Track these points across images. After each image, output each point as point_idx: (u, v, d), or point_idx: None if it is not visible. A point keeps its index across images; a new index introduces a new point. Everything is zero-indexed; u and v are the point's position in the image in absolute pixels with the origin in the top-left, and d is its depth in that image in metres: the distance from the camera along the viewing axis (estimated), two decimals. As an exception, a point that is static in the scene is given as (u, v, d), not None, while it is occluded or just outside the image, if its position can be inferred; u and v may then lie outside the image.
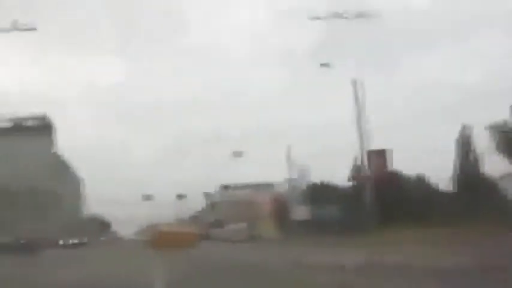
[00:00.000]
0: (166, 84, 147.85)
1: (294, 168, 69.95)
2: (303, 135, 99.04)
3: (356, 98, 56.99)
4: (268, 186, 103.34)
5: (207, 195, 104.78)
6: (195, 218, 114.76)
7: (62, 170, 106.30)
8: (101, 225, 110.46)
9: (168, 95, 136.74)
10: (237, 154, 72.06)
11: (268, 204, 78.80)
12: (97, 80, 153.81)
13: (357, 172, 56.61)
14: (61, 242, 66.64)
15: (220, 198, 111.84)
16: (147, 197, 73.44)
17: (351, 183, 59.19)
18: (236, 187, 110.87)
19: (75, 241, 55.08)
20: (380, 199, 50.68)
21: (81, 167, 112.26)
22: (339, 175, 61.95)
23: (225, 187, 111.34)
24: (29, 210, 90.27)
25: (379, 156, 56.47)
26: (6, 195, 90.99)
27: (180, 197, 75.23)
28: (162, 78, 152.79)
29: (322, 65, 58.06)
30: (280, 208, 71.13)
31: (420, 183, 57.05)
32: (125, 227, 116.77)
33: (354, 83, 57.50)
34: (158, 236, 47.83)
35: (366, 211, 50.96)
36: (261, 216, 77.31)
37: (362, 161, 56.21)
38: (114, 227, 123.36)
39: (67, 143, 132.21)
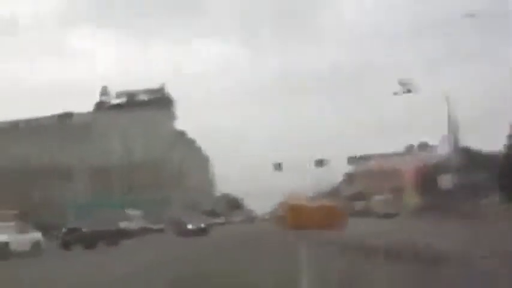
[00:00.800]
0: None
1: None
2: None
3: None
4: (408, 154, 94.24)
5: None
6: (332, 191, 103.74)
7: (185, 146, 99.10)
8: (232, 204, 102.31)
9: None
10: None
11: (412, 173, 72.13)
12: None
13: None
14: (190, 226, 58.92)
15: (357, 168, 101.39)
16: (278, 166, 62.99)
17: (502, 151, 52.52)
18: (374, 156, 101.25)
19: (202, 225, 45.56)
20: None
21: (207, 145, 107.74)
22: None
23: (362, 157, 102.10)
24: (152, 190, 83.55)
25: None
26: (124, 175, 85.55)
27: (319, 163, 63.84)
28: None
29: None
30: (425, 177, 64.56)
31: None
32: (258, 204, 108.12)
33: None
34: (295, 214, 38.90)
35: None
36: (405, 186, 73.18)
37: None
38: (247, 205, 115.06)
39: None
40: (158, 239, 40.20)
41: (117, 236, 32.25)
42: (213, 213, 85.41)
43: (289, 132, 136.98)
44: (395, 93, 47.08)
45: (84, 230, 29.29)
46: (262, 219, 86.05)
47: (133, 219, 50.21)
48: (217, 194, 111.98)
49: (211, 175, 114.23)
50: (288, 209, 42.50)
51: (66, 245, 29.05)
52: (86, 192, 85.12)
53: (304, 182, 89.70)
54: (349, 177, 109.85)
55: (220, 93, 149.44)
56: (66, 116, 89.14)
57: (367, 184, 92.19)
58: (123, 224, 41.20)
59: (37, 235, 26.56)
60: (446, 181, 59.51)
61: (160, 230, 56.76)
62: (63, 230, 30.27)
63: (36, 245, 25.66)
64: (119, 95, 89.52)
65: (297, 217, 38.08)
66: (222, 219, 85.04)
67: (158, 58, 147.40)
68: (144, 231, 49.45)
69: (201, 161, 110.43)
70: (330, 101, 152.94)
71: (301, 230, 32.48)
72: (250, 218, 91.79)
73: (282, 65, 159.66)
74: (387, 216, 55.55)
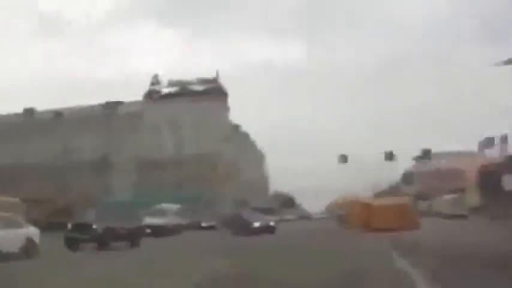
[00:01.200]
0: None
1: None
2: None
3: None
4: (469, 154, 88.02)
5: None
6: (391, 190, 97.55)
7: (240, 141, 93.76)
8: (285, 202, 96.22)
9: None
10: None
11: (475, 173, 69.50)
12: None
13: None
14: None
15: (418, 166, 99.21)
16: (343, 159, 58.11)
17: None
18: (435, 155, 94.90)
19: (271, 223, 40.63)
20: None
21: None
22: None
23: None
24: (204, 185, 78.68)
25: None
26: (174, 169, 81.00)
27: (389, 156, 58.72)
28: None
29: None
30: (488, 177, 61.37)
31: None
32: (313, 202, 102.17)
33: None
34: (365, 213, 35.37)
35: None
36: (467, 186, 70.60)
37: None
38: (303, 203, 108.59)
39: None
40: (203, 237, 34.53)
41: (138, 234, 26.76)
42: (267, 211, 79.85)
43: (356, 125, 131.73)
44: (496, 64, 45.86)
45: (94, 226, 23.81)
46: (317, 217, 79.60)
47: (166, 214, 44.15)
48: (271, 191, 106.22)
49: (266, 171, 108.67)
50: (356, 207, 38.54)
51: (70, 245, 23.47)
52: (131, 187, 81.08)
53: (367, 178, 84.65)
54: (409, 176, 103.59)
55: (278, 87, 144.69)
56: (115, 105, 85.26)
57: (428, 184, 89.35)
58: (150, 220, 35.96)
59: (32, 231, 21.22)
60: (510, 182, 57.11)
61: (211, 227, 51.18)
62: (68, 225, 24.36)
63: (29, 244, 20.44)
64: (170, 84, 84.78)
65: (367, 216, 34.34)
66: (276, 217, 79.33)
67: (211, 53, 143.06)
68: (181, 228, 43.66)
69: (255, 156, 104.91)
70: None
71: (372, 230, 30.59)
72: (306, 216, 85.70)
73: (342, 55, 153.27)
74: (456, 217, 51.29)
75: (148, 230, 33.35)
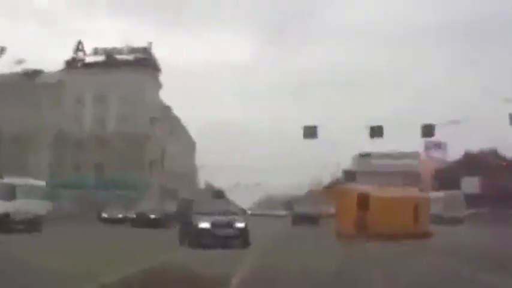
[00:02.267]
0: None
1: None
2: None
3: None
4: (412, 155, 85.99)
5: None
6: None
7: (171, 124, 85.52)
8: (217, 194, 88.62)
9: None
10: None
11: (430, 175, 72.62)
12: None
13: None
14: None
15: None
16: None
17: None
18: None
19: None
20: None
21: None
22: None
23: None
24: (127, 170, 70.19)
25: None
26: (94, 149, 72.22)
27: None
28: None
29: None
30: (446, 179, 64.29)
31: None
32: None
33: None
34: (360, 207, 23.73)
35: None
36: (422, 188, 64.08)
37: None
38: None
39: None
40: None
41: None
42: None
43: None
44: None
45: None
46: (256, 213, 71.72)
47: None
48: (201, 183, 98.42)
49: (195, 161, 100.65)
50: (345, 199, 25.75)
51: None
52: (46, 167, 71.44)
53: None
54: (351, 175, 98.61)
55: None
56: (33, 74, 75.14)
57: (374, 183, 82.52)
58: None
59: None
60: (470, 184, 57.28)
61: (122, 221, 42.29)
62: None
63: None
64: (96, 51, 75.51)
65: (363, 214, 23.24)
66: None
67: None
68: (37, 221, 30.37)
69: (186, 143, 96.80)
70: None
71: (369, 237, 21.12)
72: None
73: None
74: (451, 221, 41.99)
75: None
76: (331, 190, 40.55)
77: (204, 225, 19.54)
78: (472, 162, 71.29)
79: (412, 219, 22.69)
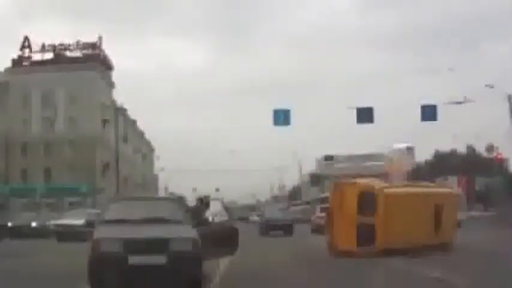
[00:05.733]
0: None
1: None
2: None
3: None
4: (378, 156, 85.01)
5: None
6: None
7: (125, 126, 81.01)
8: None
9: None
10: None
11: (401, 177, 68.22)
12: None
13: None
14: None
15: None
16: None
17: None
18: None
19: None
20: None
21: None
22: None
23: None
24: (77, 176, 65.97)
25: None
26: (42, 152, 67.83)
27: None
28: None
29: None
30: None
31: None
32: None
33: None
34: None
35: None
36: None
37: None
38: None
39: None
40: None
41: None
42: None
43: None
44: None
45: None
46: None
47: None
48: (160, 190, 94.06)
49: (153, 167, 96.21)
50: (346, 197, 17.22)
51: None
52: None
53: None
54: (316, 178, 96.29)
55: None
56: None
57: None
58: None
59: None
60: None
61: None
62: None
63: None
64: (44, 48, 70.68)
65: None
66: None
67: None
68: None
69: (142, 148, 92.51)
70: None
71: (378, 252, 15.71)
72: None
73: None
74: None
75: None
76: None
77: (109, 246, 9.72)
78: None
79: (433, 225, 16.93)
